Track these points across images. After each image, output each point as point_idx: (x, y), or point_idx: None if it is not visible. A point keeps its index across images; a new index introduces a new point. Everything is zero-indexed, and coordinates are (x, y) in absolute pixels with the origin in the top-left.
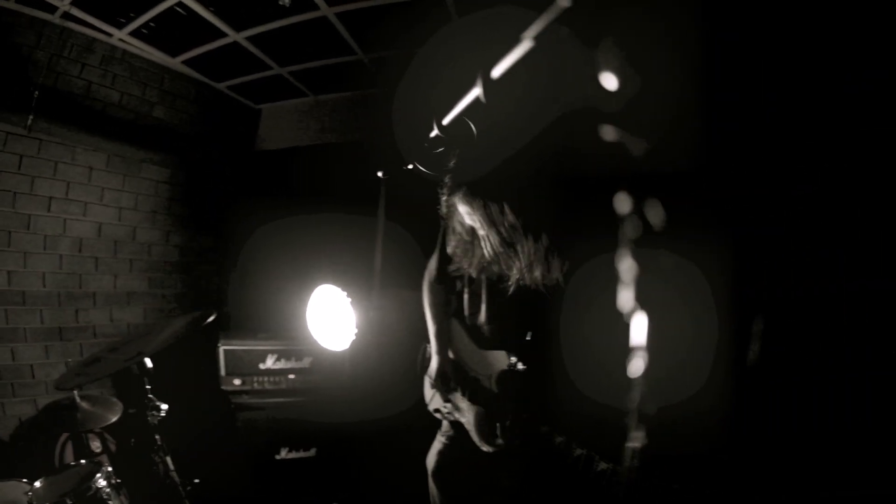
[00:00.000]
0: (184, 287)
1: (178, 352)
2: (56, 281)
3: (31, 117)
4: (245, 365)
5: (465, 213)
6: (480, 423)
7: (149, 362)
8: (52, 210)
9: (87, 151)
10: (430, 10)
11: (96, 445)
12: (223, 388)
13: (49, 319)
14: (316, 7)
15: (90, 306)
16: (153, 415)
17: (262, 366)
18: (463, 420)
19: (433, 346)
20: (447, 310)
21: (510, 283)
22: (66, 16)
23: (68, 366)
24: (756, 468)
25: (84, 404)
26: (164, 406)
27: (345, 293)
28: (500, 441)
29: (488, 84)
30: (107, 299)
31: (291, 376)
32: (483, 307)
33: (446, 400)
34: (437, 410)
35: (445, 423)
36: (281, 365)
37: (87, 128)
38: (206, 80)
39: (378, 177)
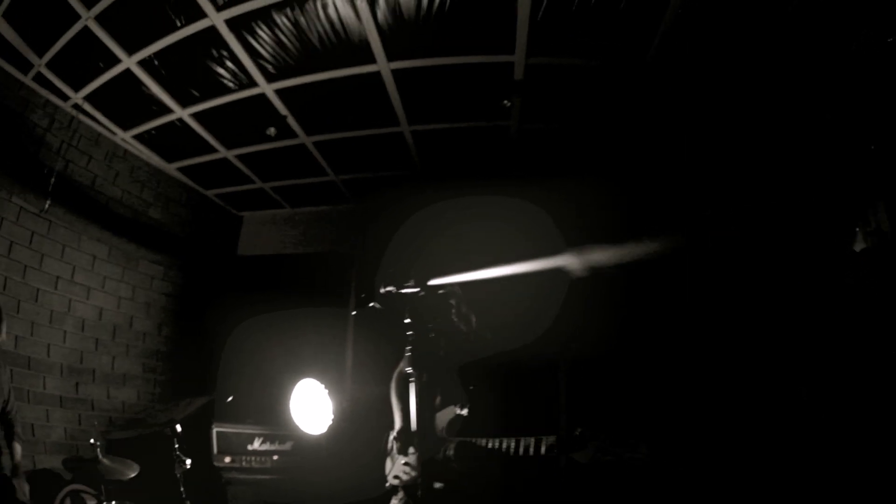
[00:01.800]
0: (172, 374)
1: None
2: (60, 353)
3: (48, 202)
4: (234, 445)
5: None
6: (434, 463)
7: (178, 427)
8: (58, 288)
9: (92, 240)
10: (393, 142)
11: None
12: (215, 464)
13: (51, 387)
14: (296, 135)
15: (90, 381)
16: (179, 467)
17: (249, 447)
18: (417, 474)
19: (396, 417)
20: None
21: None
22: (77, 107)
23: (67, 431)
24: None
25: (106, 460)
26: (189, 460)
27: (322, 385)
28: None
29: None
30: (105, 377)
31: (275, 457)
32: (438, 389)
33: (405, 463)
34: (396, 477)
35: (399, 492)
36: (266, 447)
37: (92, 218)
38: (195, 186)
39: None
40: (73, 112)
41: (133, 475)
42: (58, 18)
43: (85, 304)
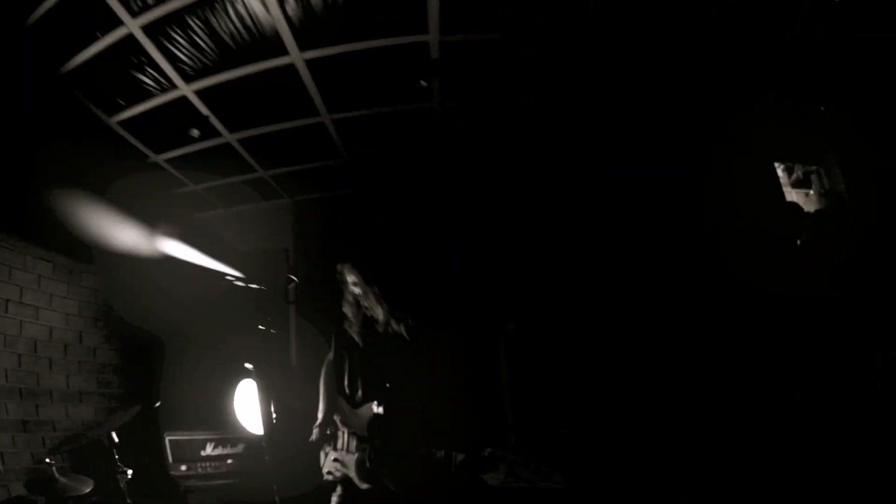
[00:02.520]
0: (126, 387)
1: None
2: (17, 377)
3: None
4: (188, 452)
5: (351, 283)
6: (359, 466)
7: (115, 437)
8: (9, 311)
9: (36, 259)
10: (316, 132)
11: None
12: (171, 473)
13: (13, 412)
14: (220, 135)
15: (48, 402)
16: (121, 477)
17: (203, 453)
18: (347, 470)
19: (321, 408)
20: (334, 388)
21: (379, 326)
22: None
23: (34, 455)
24: None
25: (62, 478)
26: (130, 471)
27: (262, 384)
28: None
29: None
30: (62, 397)
31: (230, 461)
32: (359, 381)
33: (335, 459)
34: (329, 472)
35: (338, 487)
36: (219, 451)
37: (34, 238)
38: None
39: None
40: None
41: (88, 490)
42: None
43: (35, 324)
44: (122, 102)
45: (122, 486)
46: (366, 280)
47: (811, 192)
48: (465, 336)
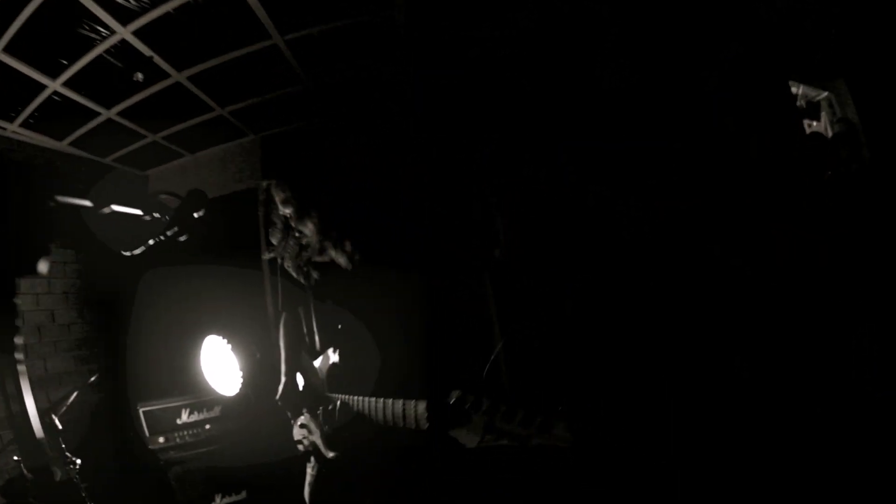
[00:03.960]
0: (106, 360)
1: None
2: None
3: None
4: (164, 422)
5: (280, 202)
6: (321, 430)
7: (58, 423)
8: None
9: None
10: (270, 58)
11: None
12: (150, 447)
13: None
14: (168, 75)
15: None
16: (71, 469)
17: (178, 421)
18: (314, 438)
19: (282, 368)
20: (294, 339)
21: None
22: None
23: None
24: None
25: (31, 475)
26: (78, 460)
27: (226, 341)
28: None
29: None
30: (41, 383)
31: (207, 426)
32: (313, 327)
33: (301, 425)
34: (298, 442)
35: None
36: (196, 417)
37: None
38: (92, 156)
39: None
40: None
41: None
42: None
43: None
44: (63, 61)
45: (73, 477)
46: (300, 198)
47: (815, 123)
48: (438, 267)
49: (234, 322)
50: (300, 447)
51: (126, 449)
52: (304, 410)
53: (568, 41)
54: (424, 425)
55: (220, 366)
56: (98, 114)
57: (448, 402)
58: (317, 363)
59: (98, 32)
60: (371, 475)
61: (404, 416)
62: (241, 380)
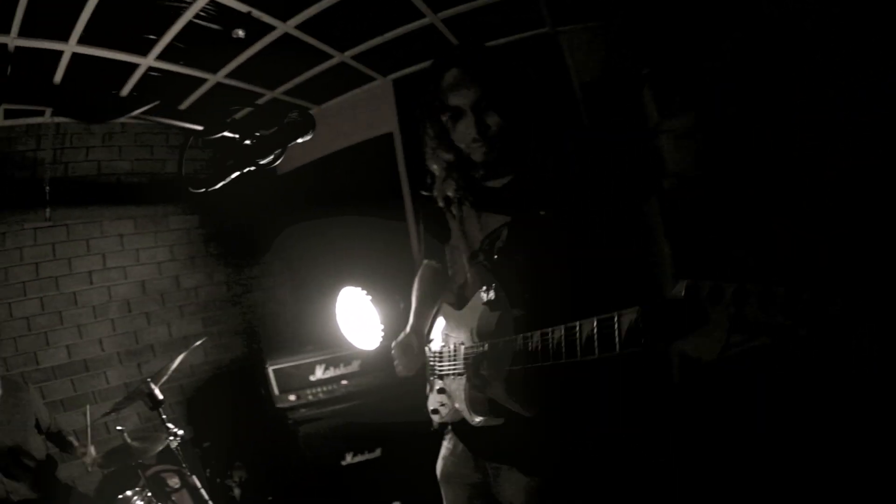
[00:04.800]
0: (240, 319)
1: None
2: (113, 343)
3: (48, 209)
4: (296, 380)
5: (457, 99)
6: (467, 392)
7: (159, 394)
8: (94, 282)
9: (113, 221)
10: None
11: (174, 482)
12: (278, 406)
13: (114, 378)
14: (273, 27)
15: (151, 357)
16: (172, 440)
17: (312, 378)
18: (457, 404)
19: (410, 321)
20: (432, 289)
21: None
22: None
23: (141, 416)
24: None
25: (134, 442)
26: (180, 431)
27: (365, 292)
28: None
29: None
30: (165, 347)
31: (344, 382)
32: (464, 267)
33: (440, 390)
34: (434, 411)
35: (448, 427)
36: (331, 373)
37: (107, 201)
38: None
39: None
40: (54, 121)
41: (160, 448)
42: None
43: (125, 284)
44: (152, 37)
45: (173, 447)
46: (486, 89)
47: None
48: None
49: (374, 272)
50: (436, 417)
51: (255, 409)
52: (439, 373)
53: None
54: (634, 344)
55: (358, 319)
56: (204, 80)
57: (673, 300)
58: (463, 312)
59: (180, 0)
60: (533, 444)
61: (598, 340)
62: (382, 333)
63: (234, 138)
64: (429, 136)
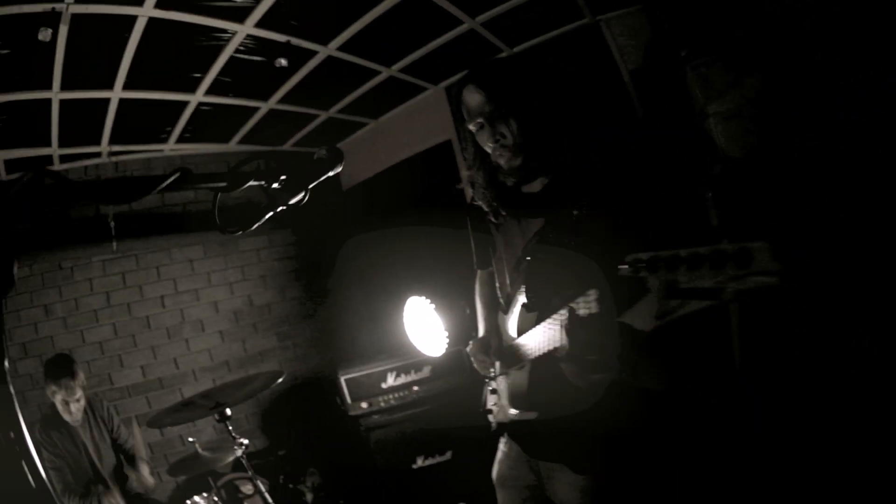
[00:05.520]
0: (313, 332)
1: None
2: (188, 361)
3: (114, 243)
4: (367, 388)
5: (475, 111)
6: (510, 387)
7: (228, 411)
8: (166, 306)
9: (182, 248)
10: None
11: (248, 488)
12: (351, 413)
13: (189, 393)
14: (314, 52)
15: (226, 373)
16: (237, 450)
17: (384, 385)
18: (503, 401)
19: (480, 327)
20: (492, 296)
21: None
22: (112, 154)
23: (216, 428)
24: None
25: (205, 453)
26: (245, 441)
27: (428, 300)
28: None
29: None
30: (240, 363)
31: (416, 388)
32: (504, 273)
33: (492, 391)
34: (489, 412)
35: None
36: (402, 380)
37: (174, 229)
38: (266, 147)
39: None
40: (112, 160)
41: (231, 458)
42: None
43: (197, 306)
44: (197, 75)
45: (240, 457)
46: (498, 101)
47: None
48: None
49: (437, 280)
50: (490, 418)
51: (328, 417)
52: (494, 374)
53: None
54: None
55: (424, 327)
56: (257, 108)
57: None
58: (509, 315)
59: (217, 39)
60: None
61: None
62: (448, 339)
63: (260, 184)
64: (467, 151)
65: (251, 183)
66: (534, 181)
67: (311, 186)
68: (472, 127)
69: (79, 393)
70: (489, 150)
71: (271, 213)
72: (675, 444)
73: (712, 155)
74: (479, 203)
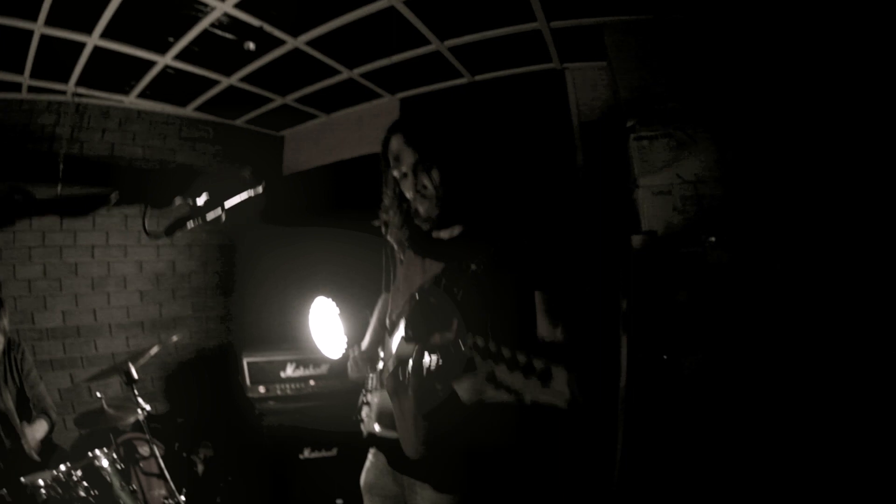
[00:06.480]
0: (226, 309)
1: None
2: (106, 315)
3: (59, 185)
4: (267, 374)
5: (395, 158)
6: (376, 405)
7: (134, 374)
8: (95, 257)
9: (121, 203)
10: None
11: (145, 450)
12: (249, 395)
13: (102, 347)
14: (283, 41)
15: (139, 333)
16: (139, 413)
17: (283, 374)
18: (372, 415)
19: (366, 339)
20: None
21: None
22: (76, 95)
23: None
24: None
25: (109, 409)
26: (148, 407)
27: (334, 304)
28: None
29: None
30: (154, 326)
31: (312, 382)
32: (398, 300)
33: (365, 403)
34: (361, 421)
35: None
36: (301, 372)
37: (117, 183)
38: (220, 119)
39: None
40: (75, 100)
41: (133, 420)
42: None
43: (123, 262)
44: (170, 39)
45: (141, 420)
46: (423, 153)
47: None
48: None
49: (350, 283)
50: (362, 427)
51: (227, 395)
52: (370, 389)
53: None
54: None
55: (326, 328)
56: (218, 82)
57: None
58: (392, 338)
59: (197, 10)
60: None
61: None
62: (346, 344)
63: (185, 201)
64: (387, 188)
65: (177, 201)
66: (446, 229)
67: (227, 207)
68: (395, 174)
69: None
70: (410, 197)
71: (192, 224)
72: (541, 462)
73: (634, 226)
74: (391, 238)
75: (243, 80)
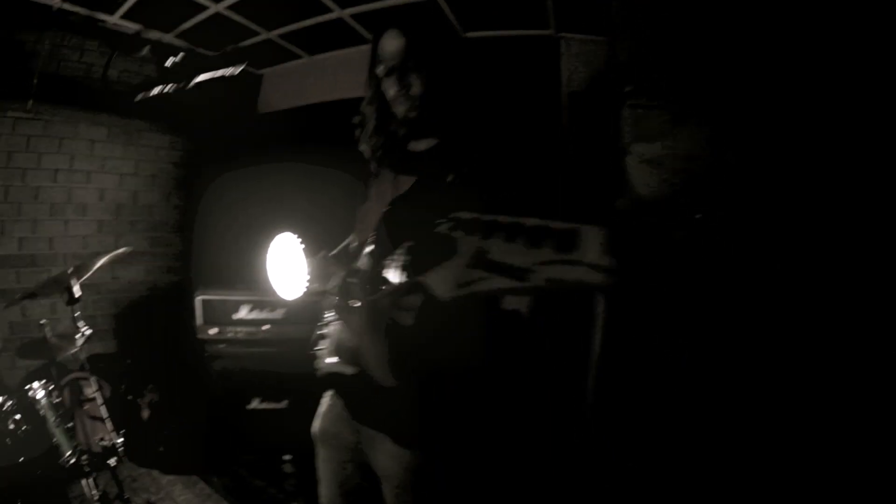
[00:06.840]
0: (184, 245)
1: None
2: (62, 244)
3: (31, 101)
4: (220, 314)
5: (389, 54)
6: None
7: (77, 291)
8: (58, 181)
9: (89, 126)
10: None
11: (90, 391)
12: (199, 336)
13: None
14: None
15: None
16: (79, 338)
17: (235, 316)
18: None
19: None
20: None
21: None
22: (62, 11)
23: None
24: None
25: (52, 339)
26: (88, 330)
27: (299, 240)
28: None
29: None
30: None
31: (266, 327)
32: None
33: (320, 336)
34: (315, 356)
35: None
36: (255, 315)
37: (88, 105)
38: (202, 50)
39: None
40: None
41: (75, 348)
42: None
43: (85, 189)
44: None
45: (78, 346)
46: (413, 49)
47: None
48: None
49: (317, 222)
50: (316, 363)
51: (178, 336)
52: (329, 320)
53: None
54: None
55: (287, 267)
56: (206, 7)
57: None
58: (359, 258)
59: None
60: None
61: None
62: (308, 284)
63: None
64: (367, 90)
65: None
66: (422, 139)
67: (199, 80)
68: (380, 71)
69: None
70: (390, 96)
71: (159, 90)
72: (508, 421)
73: (620, 188)
74: (362, 148)
75: (231, 7)
